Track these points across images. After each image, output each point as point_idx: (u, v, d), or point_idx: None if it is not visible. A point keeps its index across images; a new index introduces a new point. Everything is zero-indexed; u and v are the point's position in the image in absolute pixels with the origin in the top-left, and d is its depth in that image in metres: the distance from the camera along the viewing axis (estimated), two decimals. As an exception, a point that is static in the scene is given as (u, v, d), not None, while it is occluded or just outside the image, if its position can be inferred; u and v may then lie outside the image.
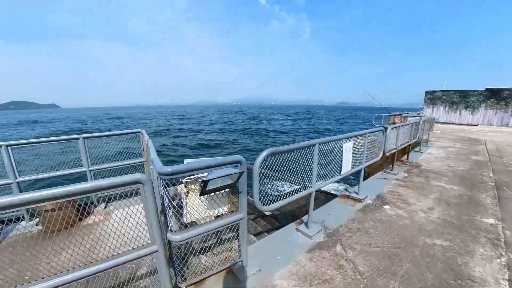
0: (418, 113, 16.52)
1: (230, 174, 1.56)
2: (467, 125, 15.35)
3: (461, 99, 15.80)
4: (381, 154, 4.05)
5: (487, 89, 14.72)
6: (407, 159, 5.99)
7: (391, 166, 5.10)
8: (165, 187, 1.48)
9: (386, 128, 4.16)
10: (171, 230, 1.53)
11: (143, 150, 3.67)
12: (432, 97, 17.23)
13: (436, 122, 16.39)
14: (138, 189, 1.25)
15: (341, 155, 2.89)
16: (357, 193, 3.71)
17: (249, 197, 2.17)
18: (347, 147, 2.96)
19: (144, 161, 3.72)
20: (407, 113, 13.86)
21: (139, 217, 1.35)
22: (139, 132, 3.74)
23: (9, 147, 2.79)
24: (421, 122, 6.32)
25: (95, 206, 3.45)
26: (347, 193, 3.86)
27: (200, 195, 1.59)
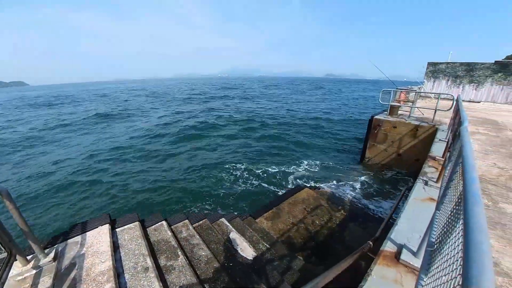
0: (419, 87, 15.01)
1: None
2: (469, 101, 14.19)
3: (466, 72, 14.32)
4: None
5: (496, 62, 13.25)
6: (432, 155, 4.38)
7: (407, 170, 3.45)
8: None
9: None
10: None
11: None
12: (435, 70, 15.59)
13: (435, 98, 15.12)
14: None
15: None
16: (414, 254, 2.00)
17: None
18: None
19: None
20: (411, 87, 12.24)
21: None
22: None
23: None
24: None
25: None
26: (389, 249, 2.14)
27: None
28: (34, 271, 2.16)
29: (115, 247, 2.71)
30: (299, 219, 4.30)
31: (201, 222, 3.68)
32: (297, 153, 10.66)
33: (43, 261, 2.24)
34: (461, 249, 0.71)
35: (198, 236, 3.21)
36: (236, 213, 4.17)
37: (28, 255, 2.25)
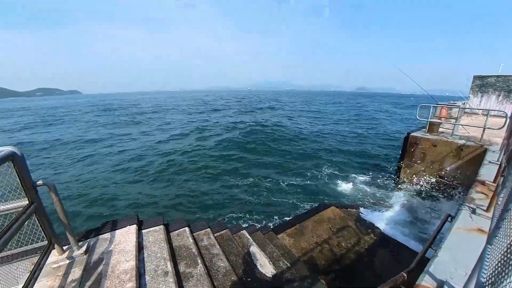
0: (464, 103, 13.64)
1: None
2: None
3: (523, 86, 12.66)
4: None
5: (562, 75, 11.52)
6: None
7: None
8: None
9: None
10: None
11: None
12: (482, 84, 14.08)
13: (483, 115, 13.44)
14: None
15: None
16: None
17: None
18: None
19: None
20: (454, 103, 11.17)
21: None
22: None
23: None
24: None
25: None
26: None
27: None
28: (68, 261, 2.34)
29: (140, 247, 2.82)
30: (324, 239, 4.04)
31: (222, 232, 3.67)
32: (329, 168, 10.32)
33: (76, 252, 2.42)
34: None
35: (218, 246, 3.20)
36: (258, 226, 4.09)
37: (64, 245, 2.45)
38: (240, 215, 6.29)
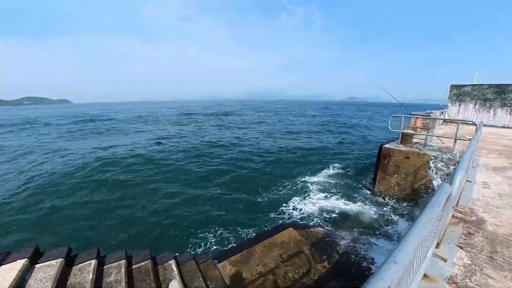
0: (442, 112, 13.66)
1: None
2: (503, 127, 12.44)
3: (497, 95, 12.78)
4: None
5: (533, 83, 11.69)
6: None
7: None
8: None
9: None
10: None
11: None
12: (459, 93, 14.22)
13: (462, 123, 13.32)
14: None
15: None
16: None
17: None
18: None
19: None
20: (431, 113, 11.07)
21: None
22: None
23: None
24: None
25: None
26: None
27: None
28: None
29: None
30: (270, 268, 3.51)
31: (143, 263, 3.12)
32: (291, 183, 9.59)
33: None
34: None
35: (124, 283, 2.65)
36: (194, 253, 3.56)
37: None
38: (186, 239, 5.56)
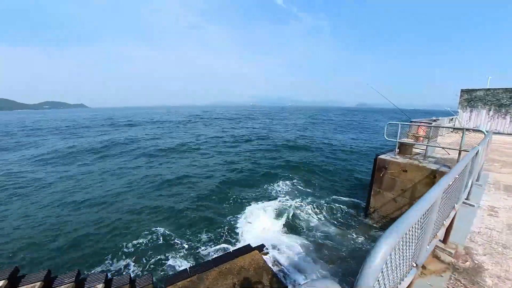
0: (452, 119, 12.56)
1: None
2: (522, 136, 11.20)
3: (514, 100, 11.60)
4: None
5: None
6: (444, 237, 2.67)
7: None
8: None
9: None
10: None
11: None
12: (471, 98, 13.09)
13: (474, 131, 12.11)
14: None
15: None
16: None
17: None
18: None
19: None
20: (436, 119, 10.07)
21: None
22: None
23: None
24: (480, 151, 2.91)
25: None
26: None
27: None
28: None
29: None
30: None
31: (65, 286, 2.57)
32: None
33: None
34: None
35: None
36: (134, 275, 2.97)
37: None
38: (127, 256, 5.02)
